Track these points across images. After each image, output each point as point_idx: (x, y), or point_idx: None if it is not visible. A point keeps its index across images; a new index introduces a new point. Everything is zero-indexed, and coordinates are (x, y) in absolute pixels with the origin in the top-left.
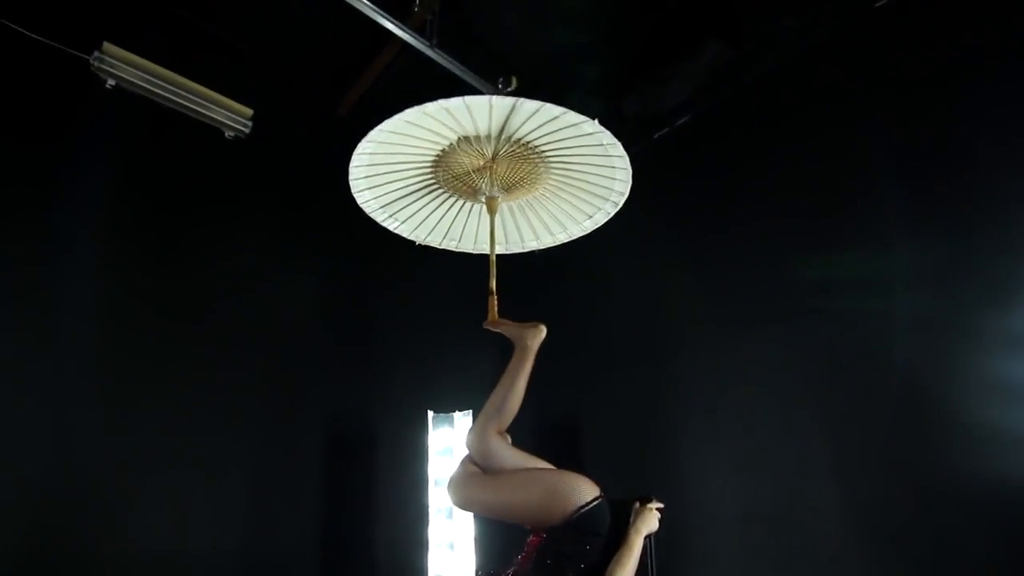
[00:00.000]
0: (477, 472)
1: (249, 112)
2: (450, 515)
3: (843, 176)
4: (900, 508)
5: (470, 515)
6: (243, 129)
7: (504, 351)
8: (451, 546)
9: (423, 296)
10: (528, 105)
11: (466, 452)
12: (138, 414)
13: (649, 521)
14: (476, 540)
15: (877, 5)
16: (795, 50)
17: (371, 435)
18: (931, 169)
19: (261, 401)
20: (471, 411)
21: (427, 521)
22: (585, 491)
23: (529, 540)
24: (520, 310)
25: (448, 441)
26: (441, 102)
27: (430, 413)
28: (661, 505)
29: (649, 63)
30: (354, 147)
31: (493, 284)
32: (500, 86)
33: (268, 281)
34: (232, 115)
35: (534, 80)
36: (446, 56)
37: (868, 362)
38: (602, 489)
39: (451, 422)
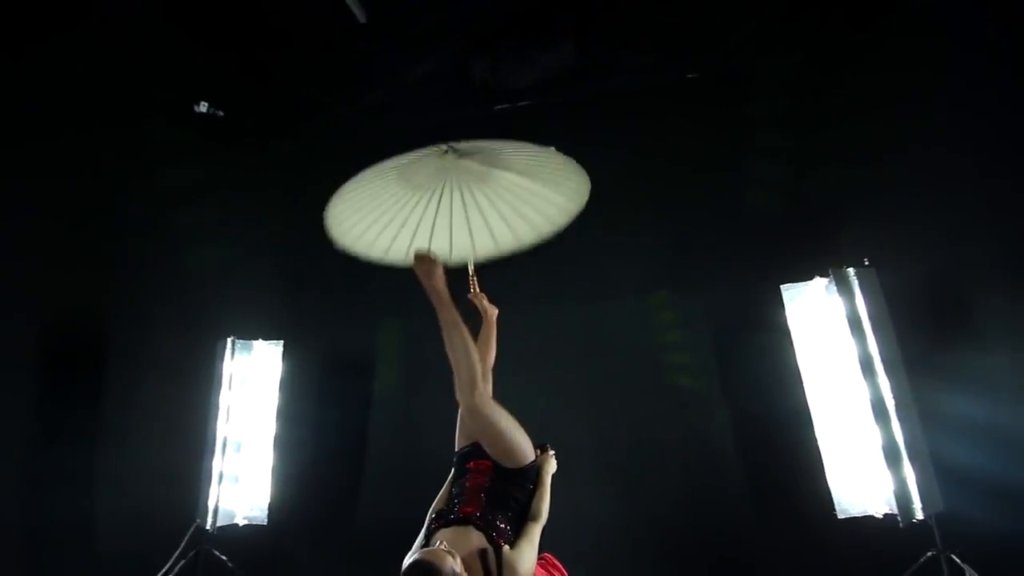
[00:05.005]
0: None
1: None
2: (238, 448)
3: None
4: (621, 446)
5: (268, 447)
6: None
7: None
8: (235, 479)
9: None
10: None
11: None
12: None
13: (552, 465)
14: (273, 471)
15: (689, 76)
16: (632, 83)
17: (153, 360)
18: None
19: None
20: (283, 341)
21: (211, 453)
22: (531, 450)
23: (467, 486)
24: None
25: (245, 370)
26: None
27: (230, 339)
28: (554, 451)
29: (514, 36)
30: None
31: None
32: None
33: None
34: None
35: None
36: None
37: (623, 348)
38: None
39: (249, 349)
